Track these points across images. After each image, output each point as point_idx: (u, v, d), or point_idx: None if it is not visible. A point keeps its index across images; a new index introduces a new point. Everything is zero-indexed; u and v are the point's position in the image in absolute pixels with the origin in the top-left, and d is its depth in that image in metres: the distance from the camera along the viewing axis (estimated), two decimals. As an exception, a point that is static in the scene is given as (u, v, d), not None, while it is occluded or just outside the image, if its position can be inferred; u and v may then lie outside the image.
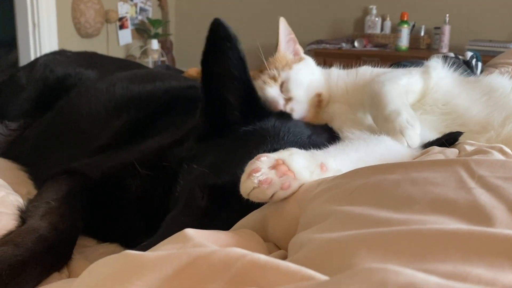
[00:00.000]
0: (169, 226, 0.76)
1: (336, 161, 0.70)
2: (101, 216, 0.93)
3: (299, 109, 0.98)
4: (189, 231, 0.52)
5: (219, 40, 0.80)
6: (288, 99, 0.99)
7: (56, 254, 0.76)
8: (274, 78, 1.01)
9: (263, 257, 0.38)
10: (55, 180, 0.97)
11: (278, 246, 0.63)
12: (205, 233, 0.54)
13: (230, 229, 0.66)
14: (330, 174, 0.67)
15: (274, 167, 0.63)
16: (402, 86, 0.93)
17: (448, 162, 0.51)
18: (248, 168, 0.64)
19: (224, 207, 0.73)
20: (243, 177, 0.63)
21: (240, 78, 0.82)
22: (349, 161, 0.71)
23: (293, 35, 1.13)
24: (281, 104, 0.97)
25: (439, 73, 1.02)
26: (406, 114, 0.85)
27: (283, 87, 1.00)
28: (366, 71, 1.06)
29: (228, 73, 0.82)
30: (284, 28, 1.09)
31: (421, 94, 0.98)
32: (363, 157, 0.73)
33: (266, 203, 0.67)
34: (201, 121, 0.87)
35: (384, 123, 0.85)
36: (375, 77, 0.98)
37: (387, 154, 0.77)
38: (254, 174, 0.62)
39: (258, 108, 0.86)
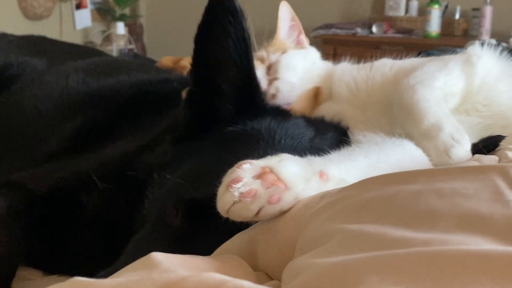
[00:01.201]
0: (133, 253, 0.76)
1: (340, 168, 0.71)
2: (49, 240, 0.93)
3: (286, 91, 1.00)
4: (157, 255, 0.52)
5: (221, 13, 0.80)
6: (273, 79, 1.03)
7: (-11, 290, 0.76)
8: (261, 59, 1.06)
9: (247, 284, 0.38)
10: (-11, 196, 0.97)
11: (270, 276, 0.64)
12: (178, 258, 0.54)
13: (211, 255, 0.67)
14: (331, 184, 0.67)
15: (260, 176, 0.63)
16: (439, 89, 0.92)
17: (482, 169, 0.52)
18: (227, 178, 0.64)
19: (204, 228, 0.74)
20: (221, 190, 0.63)
21: (240, 63, 0.83)
22: (356, 169, 0.72)
23: (297, 22, 1.19)
24: (262, 84, 0.99)
25: (485, 64, 0.99)
26: (449, 127, 0.84)
27: (271, 69, 1.06)
28: (384, 65, 1.06)
29: (226, 56, 0.83)
30: (285, 13, 1.15)
31: (463, 95, 0.97)
32: (374, 164, 0.74)
33: (252, 223, 0.67)
34: (185, 114, 0.88)
35: (423, 142, 0.84)
36: (401, 77, 0.97)
37: (406, 160, 0.77)
38: (234, 185, 0.61)
39: (255, 103, 0.87)
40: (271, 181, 0.62)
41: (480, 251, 0.39)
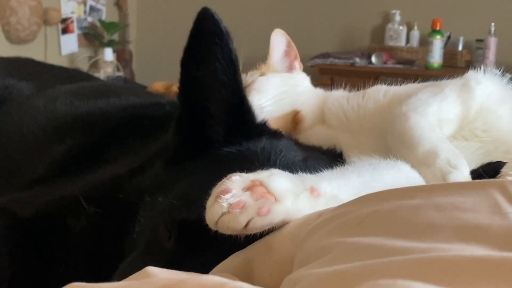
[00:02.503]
0: (122, 276, 0.78)
1: (332, 185, 0.73)
2: (34, 266, 0.95)
3: None
4: (152, 269, 0.54)
5: (206, 35, 0.83)
6: None
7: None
8: None
9: (246, 286, 0.40)
10: (-27, 221, 0.98)
11: (267, 296, 0.66)
12: (173, 273, 0.56)
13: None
14: (323, 200, 0.70)
15: (249, 188, 0.66)
16: (433, 115, 0.95)
17: (480, 184, 0.56)
18: (216, 189, 0.66)
19: (197, 251, 0.75)
20: (209, 201, 0.66)
21: (228, 85, 0.86)
22: (349, 187, 0.75)
23: (291, 48, 1.24)
24: None
25: (485, 89, 1.01)
26: (445, 153, 0.86)
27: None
28: (378, 91, 1.09)
29: (214, 78, 0.85)
30: (278, 40, 1.21)
31: (460, 122, 0.99)
32: (368, 183, 0.76)
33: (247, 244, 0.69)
34: (174, 138, 0.91)
35: (420, 169, 0.87)
36: (395, 104, 1.00)
37: (401, 180, 0.79)
38: (222, 196, 0.64)
39: (248, 124, 0.90)
40: (260, 193, 0.65)
41: (477, 256, 0.42)
